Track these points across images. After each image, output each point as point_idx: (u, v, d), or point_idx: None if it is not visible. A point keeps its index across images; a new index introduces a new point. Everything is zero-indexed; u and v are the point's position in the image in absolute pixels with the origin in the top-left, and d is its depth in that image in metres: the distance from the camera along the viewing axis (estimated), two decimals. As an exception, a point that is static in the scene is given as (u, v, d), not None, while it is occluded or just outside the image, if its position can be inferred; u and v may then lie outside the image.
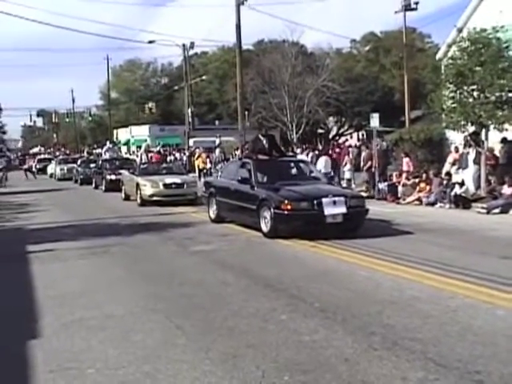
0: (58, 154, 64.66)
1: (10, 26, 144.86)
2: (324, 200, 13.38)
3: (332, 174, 24.03)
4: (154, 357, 6.05)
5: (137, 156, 40.19)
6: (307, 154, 29.34)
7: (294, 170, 16.66)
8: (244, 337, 6.57)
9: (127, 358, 6.04)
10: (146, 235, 14.95)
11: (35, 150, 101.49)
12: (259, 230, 14.08)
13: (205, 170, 37.62)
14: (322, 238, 12.90)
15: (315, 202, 13.41)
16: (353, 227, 13.84)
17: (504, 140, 21.39)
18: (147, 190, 22.73)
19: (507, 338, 6.37)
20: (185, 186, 23.15)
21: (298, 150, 31.96)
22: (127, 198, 25.17)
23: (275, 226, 13.55)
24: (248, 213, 14.79)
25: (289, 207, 13.33)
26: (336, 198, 13.55)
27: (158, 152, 42.14)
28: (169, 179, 23.32)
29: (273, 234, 13.59)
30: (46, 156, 68.39)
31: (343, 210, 13.44)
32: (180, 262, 11.39)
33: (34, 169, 56.87)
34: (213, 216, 16.95)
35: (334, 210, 13.36)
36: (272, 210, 13.53)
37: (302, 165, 17.42)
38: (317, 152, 29.72)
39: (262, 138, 16.74)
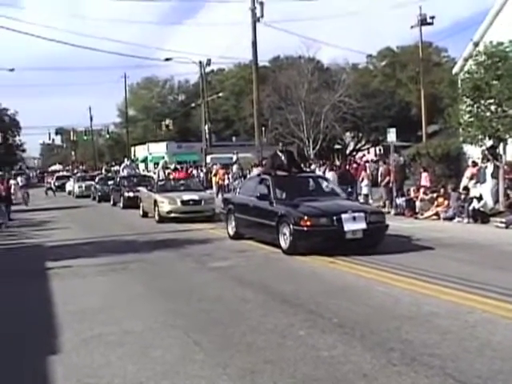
0: (76, 171, 65.07)
1: (29, 46, 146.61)
2: (344, 216, 13.28)
3: (350, 189, 23.98)
4: (173, 372, 6.08)
5: (154, 173, 40.33)
6: (324, 172, 29.31)
7: (312, 186, 16.54)
8: (262, 353, 6.58)
9: (146, 374, 6.07)
10: (164, 252, 15.01)
11: (54, 167, 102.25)
12: (278, 246, 13.99)
13: (222, 187, 37.69)
14: (340, 254, 12.83)
15: (335, 217, 13.31)
16: (373, 243, 13.71)
17: (522, 154, 21.30)
18: (165, 206, 22.78)
19: (527, 353, 6.33)
20: (202, 202, 23.19)
21: (313, 166, 31.92)
22: (145, 214, 25.20)
23: (294, 243, 13.42)
24: (267, 229, 14.70)
25: (308, 223, 13.24)
26: (356, 214, 13.45)
27: (185, 168, 42.24)
28: (186, 196, 23.37)
29: (292, 250, 13.47)
30: (65, 173, 68.90)
31: (363, 225, 13.32)
32: (198, 278, 11.42)
33: (53, 186, 57.29)
34: (231, 232, 16.88)
35: (353, 225, 13.24)
36: (291, 226, 13.42)
37: (320, 180, 17.35)
38: (334, 168, 29.71)
39: (280, 153, 16.64)
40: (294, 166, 16.70)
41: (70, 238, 18.41)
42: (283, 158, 16.46)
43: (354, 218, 13.32)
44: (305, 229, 13.23)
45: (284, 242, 13.78)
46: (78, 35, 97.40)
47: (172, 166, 43.00)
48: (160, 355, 6.63)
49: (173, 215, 22.56)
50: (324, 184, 16.96)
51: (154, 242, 17.09)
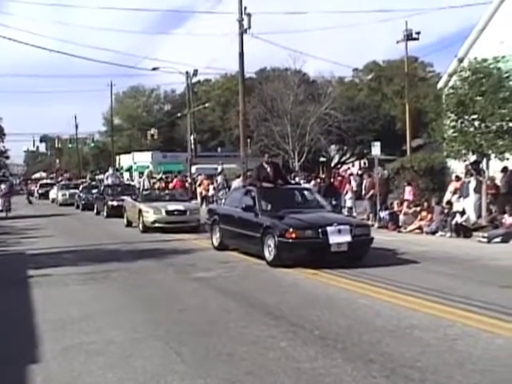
0: (60, 179, 64.73)
1: (15, 52, 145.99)
2: (329, 228, 13.26)
3: (334, 202, 24.04)
4: (154, 382, 6.06)
5: (139, 182, 39.94)
6: (308, 182, 29.40)
7: (298, 198, 16.55)
8: (243, 364, 6.58)
9: (126, 384, 6.05)
10: (147, 261, 14.96)
11: (38, 175, 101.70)
12: (263, 258, 13.97)
13: (207, 197, 37.64)
14: (324, 267, 12.83)
15: (320, 230, 13.29)
16: (358, 256, 13.78)
17: (505, 169, 21.46)
18: (150, 216, 22.60)
19: (506, 367, 6.38)
20: (187, 212, 23.01)
21: (297, 179, 31.95)
22: (129, 224, 25.01)
23: (279, 255, 13.40)
24: (252, 241, 14.65)
25: (293, 235, 13.21)
26: (341, 227, 13.43)
27: (180, 179, 41.83)
28: (171, 206, 23.21)
29: (277, 262, 13.43)
30: (49, 181, 68.53)
31: (348, 238, 13.30)
32: (180, 288, 11.39)
33: (36, 194, 56.94)
34: (216, 243, 16.81)
35: (339, 238, 13.23)
36: (276, 238, 13.40)
37: (306, 193, 17.36)
38: (318, 180, 29.80)
39: (266, 165, 16.64)
40: (280, 178, 16.68)
41: (52, 247, 18.29)
42: (269, 169, 16.45)
43: (340, 231, 13.31)
44: (290, 241, 13.20)
45: (269, 254, 13.75)
46: (65, 42, 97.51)
47: (158, 176, 42.94)
48: (141, 365, 6.61)
49: (157, 225, 22.38)
50: (309, 196, 16.96)
51: (136, 251, 17.03)
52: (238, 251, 15.88)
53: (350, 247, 13.34)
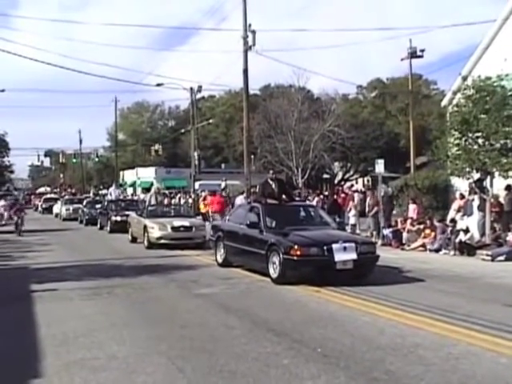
0: (64, 194, 64.85)
1: (20, 67, 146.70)
2: (334, 246, 13.15)
3: (338, 219, 24.01)
4: (155, 399, 6.04)
5: (144, 200, 39.26)
6: (312, 199, 29.38)
7: (303, 215, 16.49)
8: (245, 380, 6.55)
9: (128, 400, 6.03)
10: (151, 277, 14.93)
11: (42, 189, 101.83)
12: (267, 275, 13.86)
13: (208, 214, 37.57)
14: (328, 284, 12.76)
15: (325, 247, 13.19)
16: (363, 274, 13.66)
17: (509, 187, 21.42)
18: (155, 232, 22.38)
19: (510, 386, 6.34)
20: (193, 229, 22.75)
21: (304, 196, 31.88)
22: (134, 240, 24.79)
23: (284, 272, 13.28)
24: (256, 258, 14.53)
25: (298, 253, 13.07)
26: (346, 244, 13.30)
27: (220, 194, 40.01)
28: (177, 222, 23.00)
29: (281, 279, 13.31)
30: (52, 196, 68.65)
31: (354, 256, 13.18)
32: (183, 305, 11.38)
33: (40, 208, 57.07)
34: (220, 260, 16.70)
35: (344, 256, 13.11)
36: (281, 255, 13.27)
37: (311, 210, 17.29)
38: (322, 197, 29.78)
39: (271, 181, 16.56)
40: (285, 195, 16.62)
41: (56, 261, 18.29)
42: (274, 186, 16.38)
43: (345, 249, 13.19)
44: (295, 258, 13.06)
45: (273, 271, 13.63)
46: (70, 58, 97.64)
47: (165, 192, 42.55)
48: (143, 381, 6.59)
49: (163, 241, 22.14)
50: (314, 213, 16.86)
51: (140, 266, 17.01)
52: (241, 268, 15.82)
53: (356, 265, 13.22)
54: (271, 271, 13.71)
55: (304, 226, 15.34)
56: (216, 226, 18.26)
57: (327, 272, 13.26)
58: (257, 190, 27.61)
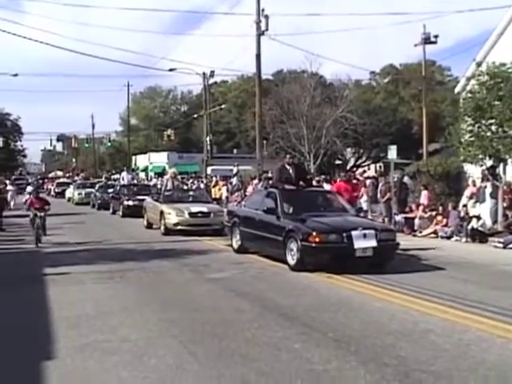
0: (76, 178, 65.07)
1: (33, 51, 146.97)
2: (354, 233, 12.88)
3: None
4: (167, 381, 6.10)
5: (161, 184, 38.51)
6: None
7: (321, 201, 16.11)
8: (256, 364, 6.59)
9: (140, 382, 6.09)
10: (163, 261, 14.99)
11: (53, 173, 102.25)
12: (285, 262, 13.58)
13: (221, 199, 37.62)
14: (344, 271, 12.56)
15: (345, 234, 12.90)
16: (382, 261, 13.40)
17: (522, 174, 21.35)
18: (172, 218, 21.89)
19: (520, 372, 6.35)
20: (211, 215, 22.16)
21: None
22: (150, 226, 24.32)
23: (302, 259, 13.00)
24: (273, 244, 14.25)
25: (317, 240, 12.78)
26: (366, 231, 13.02)
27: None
28: (195, 208, 22.43)
29: (300, 266, 13.03)
30: (65, 180, 68.95)
31: (373, 243, 12.89)
32: (195, 289, 11.43)
33: (53, 192, 57.38)
34: (236, 246, 16.41)
35: (364, 243, 12.82)
36: (299, 242, 12.98)
37: (329, 195, 16.96)
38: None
39: (288, 166, 16.28)
40: (302, 180, 16.26)
41: (69, 245, 18.43)
42: (291, 171, 16.13)
43: (365, 236, 12.91)
44: (313, 245, 12.79)
45: (291, 258, 13.35)
46: (82, 42, 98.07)
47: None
48: (154, 364, 6.64)
49: (180, 227, 21.60)
50: (332, 199, 16.49)
51: (152, 251, 17.09)
52: (256, 254, 15.70)
53: (375, 252, 12.93)
54: (289, 258, 13.44)
55: (322, 212, 14.95)
56: (232, 212, 17.94)
57: (346, 259, 13.04)
58: (269, 175, 27.60)
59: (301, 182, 16.11)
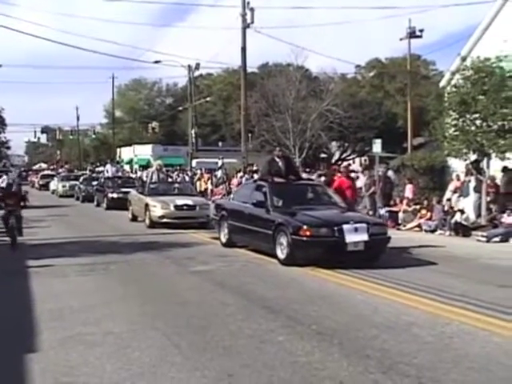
0: (60, 170, 64.69)
1: (18, 42, 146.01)
2: (345, 226, 12.68)
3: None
4: (150, 374, 6.09)
5: (146, 176, 37.92)
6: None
7: (311, 194, 15.81)
8: (240, 356, 6.60)
9: (123, 375, 6.07)
10: (147, 254, 14.96)
11: (38, 166, 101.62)
12: (274, 256, 13.38)
13: (206, 191, 37.56)
14: (334, 266, 12.39)
15: (336, 228, 12.68)
16: (374, 256, 13.21)
17: (505, 169, 21.47)
18: (157, 211, 21.70)
19: (502, 365, 6.40)
20: (197, 208, 21.97)
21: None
22: (134, 218, 24.19)
23: (292, 253, 12.80)
24: (263, 238, 14.03)
25: (308, 233, 12.59)
26: (358, 225, 12.84)
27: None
28: (180, 200, 22.24)
29: (290, 261, 12.83)
30: (49, 172, 68.57)
31: (365, 237, 12.70)
32: (180, 282, 11.42)
33: (36, 184, 57.06)
34: (224, 240, 16.15)
35: (355, 237, 12.63)
36: (289, 235, 12.77)
37: (319, 189, 16.58)
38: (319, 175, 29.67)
39: (277, 159, 16.00)
40: (292, 173, 16.04)
41: (52, 237, 18.34)
42: (281, 163, 15.83)
43: (356, 229, 12.73)
44: (304, 239, 12.59)
45: (281, 253, 13.15)
46: (67, 34, 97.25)
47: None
48: (138, 356, 6.63)
49: (165, 220, 21.45)
50: (322, 192, 16.21)
51: (137, 243, 17.02)
52: (243, 248, 15.53)
53: (367, 246, 12.74)
54: (278, 252, 13.24)
55: (312, 205, 14.71)
56: (220, 205, 17.54)
57: (338, 254, 12.83)
58: (254, 168, 27.61)
59: (290, 175, 15.85)
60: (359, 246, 12.72)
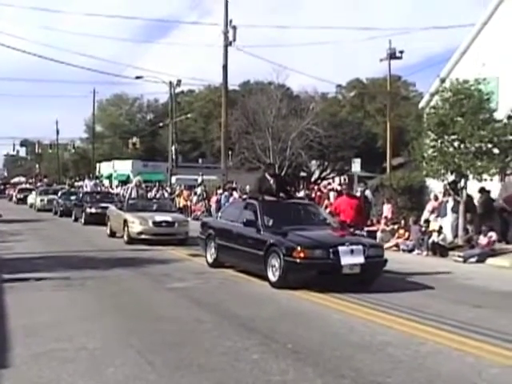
0: (39, 184, 64.28)
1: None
2: (341, 248, 12.10)
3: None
4: (123, 391, 6.04)
5: (125, 190, 37.58)
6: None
7: (303, 214, 15.26)
8: (214, 374, 6.57)
9: (96, 392, 6.02)
10: (124, 270, 14.87)
11: (17, 179, 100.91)
12: (265, 278, 12.75)
13: (186, 208, 37.53)
14: (335, 291, 11.95)
15: (331, 250, 12.09)
16: (370, 279, 12.69)
17: (482, 190, 21.64)
18: (135, 227, 21.38)
19: (475, 385, 6.43)
20: (176, 224, 21.79)
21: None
22: (113, 234, 23.88)
23: (285, 276, 12.15)
24: (253, 259, 13.37)
25: (301, 255, 11.97)
26: (354, 247, 12.26)
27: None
28: (159, 217, 21.98)
29: (281, 283, 12.20)
30: (27, 186, 68.08)
31: (361, 259, 12.14)
32: (156, 298, 11.37)
33: (14, 198, 56.64)
34: (210, 260, 15.46)
35: (351, 259, 12.07)
36: (282, 257, 12.14)
37: (311, 208, 16.17)
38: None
39: (269, 177, 15.48)
40: (283, 191, 15.53)
41: (28, 252, 18.17)
42: (272, 182, 15.29)
43: (352, 251, 12.16)
44: (297, 261, 11.97)
45: (272, 275, 12.51)
46: (48, 47, 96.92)
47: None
48: (112, 373, 6.58)
49: (143, 237, 21.13)
50: (315, 212, 15.79)
51: (114, 259, 16.91)
52: (231, 268, 15.05)
53: (363, 269, 12.22)
54: (270, 275, 12.60)
55: (305, 225, 14.10)
56: (206, 223, 16.97)
57: (333, 276, 12.30)
58: (233, 185, 27.61)
59: (281, 194, 15.36)
60: (355, 269, 12.19)
